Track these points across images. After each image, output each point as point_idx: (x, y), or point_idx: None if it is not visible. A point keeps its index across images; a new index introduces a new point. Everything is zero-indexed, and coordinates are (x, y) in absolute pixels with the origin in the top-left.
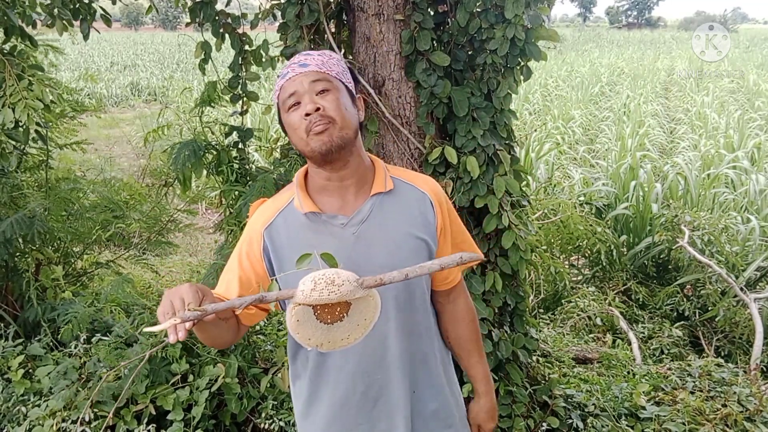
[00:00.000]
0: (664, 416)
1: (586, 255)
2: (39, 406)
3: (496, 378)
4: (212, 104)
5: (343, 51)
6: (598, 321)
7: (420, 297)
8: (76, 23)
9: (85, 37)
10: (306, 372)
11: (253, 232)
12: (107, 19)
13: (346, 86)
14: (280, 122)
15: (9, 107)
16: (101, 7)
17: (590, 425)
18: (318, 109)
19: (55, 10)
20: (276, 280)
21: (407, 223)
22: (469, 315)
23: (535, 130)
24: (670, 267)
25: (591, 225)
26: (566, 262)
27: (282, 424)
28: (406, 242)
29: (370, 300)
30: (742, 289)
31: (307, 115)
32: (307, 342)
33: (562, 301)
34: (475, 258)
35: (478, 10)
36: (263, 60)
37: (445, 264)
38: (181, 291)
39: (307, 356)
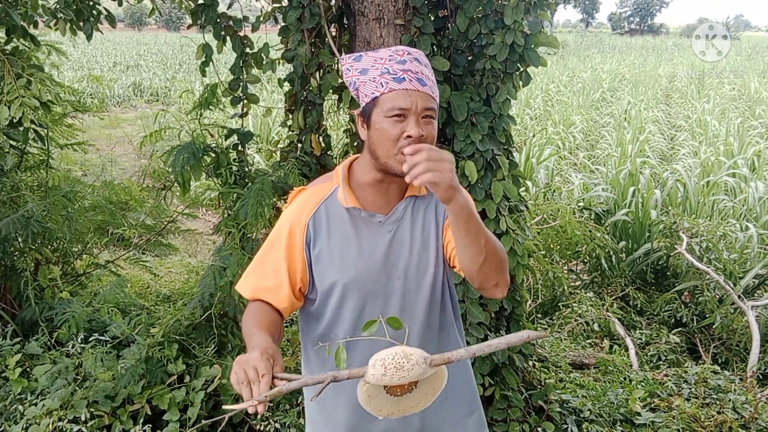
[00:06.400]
0: (659, 422)
1: (585, 260)
2: (36, 404)
3: (492, 382)
4: (210, 107)
5: (343, 55)
6: (596, 326)
7: (442, 292)
8: (82, 26)
9: (88, 37)
10: (325, 369)
11: (296, 222)
12: (112, 20)
13: None
14: (363, 112)
15: (5, 105)
16: (105, 8)
17: (585, 430)
18: (421, 136)
19: (59, 15)
20: (342, 345)
21: (433, 225)
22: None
23: (534, 135)
24: (668, 273)
25: (590, 230)
26: (565, 268)
27: (278, 426)
28: (431, 244)
29: (438, 373)
30: (739, 296)
31: (408, 137)
32: (379, 413)
33: (560, 306)
34: (541, 336)
35: (478, 15)
36: (264, 63)
37: (512, 342)
38: (253, 361)
39: (326, 356)
